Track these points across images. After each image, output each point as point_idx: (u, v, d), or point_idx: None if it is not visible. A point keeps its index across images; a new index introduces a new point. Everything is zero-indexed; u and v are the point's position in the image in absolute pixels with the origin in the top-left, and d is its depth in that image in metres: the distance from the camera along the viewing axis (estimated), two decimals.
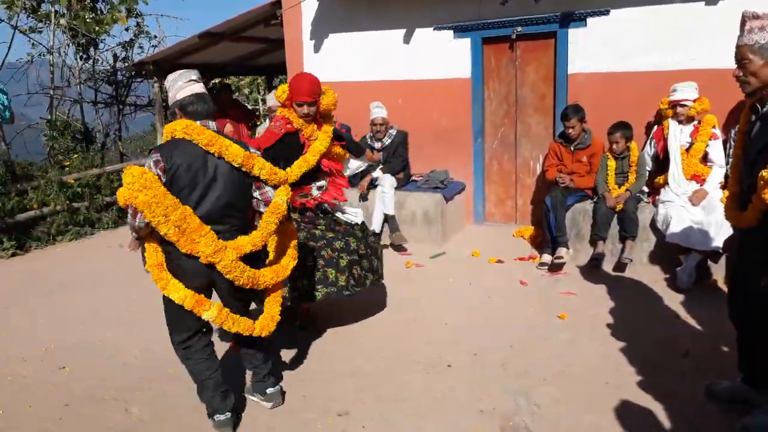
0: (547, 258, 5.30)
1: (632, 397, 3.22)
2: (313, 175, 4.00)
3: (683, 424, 2.94)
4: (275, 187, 3.01)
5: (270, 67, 10.80)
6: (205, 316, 2.83)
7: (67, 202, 7.13)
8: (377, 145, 6.26)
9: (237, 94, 10.27)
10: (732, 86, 4.62)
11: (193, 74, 2.91)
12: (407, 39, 6.60)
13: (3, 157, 7.05)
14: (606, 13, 5.60)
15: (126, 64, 9.88)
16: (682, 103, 4.94)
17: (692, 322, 4.14)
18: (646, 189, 5.34)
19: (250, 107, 11.17)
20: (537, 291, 4.82)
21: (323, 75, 7.08)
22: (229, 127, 8.57)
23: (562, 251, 5.18)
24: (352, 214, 4.34)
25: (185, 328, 2.94)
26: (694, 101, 4.92)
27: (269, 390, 3.25)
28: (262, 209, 2.98)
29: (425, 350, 3.89)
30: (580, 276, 5.10)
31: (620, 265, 5.07)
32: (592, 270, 5.15)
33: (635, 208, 5.07)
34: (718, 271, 4.74)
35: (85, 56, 9.08)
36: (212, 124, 2.90)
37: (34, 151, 9.42)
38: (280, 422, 3.17)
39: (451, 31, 6.32)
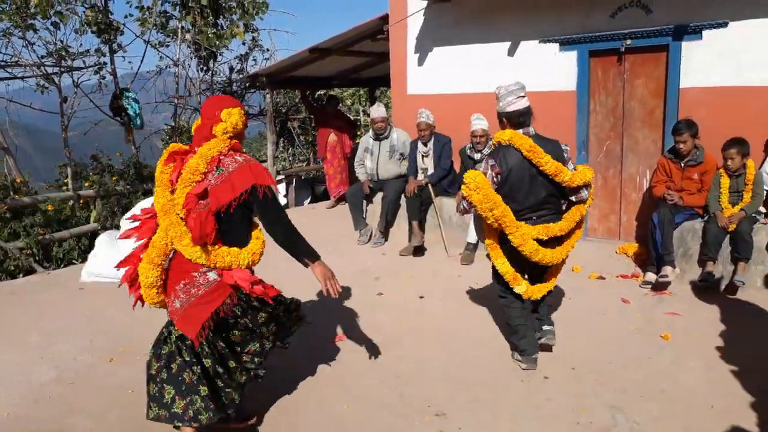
0: (651, 276, 5.14)
1: (739, 423, 3.09)
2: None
3: None
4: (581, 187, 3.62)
5: (372, 80, 11.13)
6: (516, 290, 3.69)
7: None
8: (477, 156, 6.33)
9: (340, 105, 10.67)
10: None
11: (523, 90, 3.54)
12: (511, 52, 6.63)
13: (133, 160, 7.75)
14: (724, 25, 5.38)
15: (240, 76, 10.55)
16: None
17: None
18: (762, 209, 5.06)
19: (352, 118, 11.55)
20: (639, 309, 4.69)
21: (426, 88, 7.33)
22: (332, 137, 8.93)
23: (667, 270, 5.01)
24: None
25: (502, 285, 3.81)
26: None
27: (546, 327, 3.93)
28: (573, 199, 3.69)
29: None
30: (687, 297, 4.91)
31: (732, 288, 4.84)
32: (700, 291, 4.94)
33: (750, 228, 4.83)
34: None
35: (205, 68, 9.82)
36: (531, 130, 3.56)
37: (147, 155, 10.29)
38: (377, 415, 3.31)
39: (557, 44, 6.29)
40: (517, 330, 3.78)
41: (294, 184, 10.12)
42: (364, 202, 7.20)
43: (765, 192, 4.99)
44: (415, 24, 7.21)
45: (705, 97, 5.54)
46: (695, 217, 5.24)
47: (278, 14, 25.14)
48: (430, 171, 6.63)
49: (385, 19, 7.40)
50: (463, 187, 3.42)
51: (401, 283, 5.55)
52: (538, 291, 3.77)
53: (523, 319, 3.80)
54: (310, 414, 3.37)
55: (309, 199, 10.54)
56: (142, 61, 9.04)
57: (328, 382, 3.73)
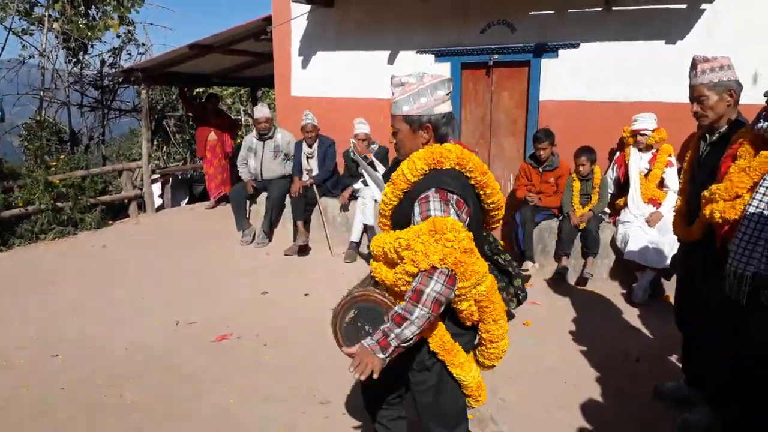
0: None
1: (589, 394, 3.56)
2: None
3: (632, 419, 3.29)
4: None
5: (255, 80, 11.07)
6: (478, 404, 2.35)
7: (52, 201, 7.27)
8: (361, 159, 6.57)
9: (220, 104, 10.50)
10: (686, 119, 5.07)
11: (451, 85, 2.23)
12: (391, 60, 6.97)
13: None
14: (576, 45, 6.04)
15: (113, 70, 10.06)
16: (642, 132, 5.37)
17: (645, 332, 4.52)
18: (607, 210, 5.75)
19: (233, 117, 11.40)
20: None
21: (310, 90, 7.47)
22: (212, 136, 8.80)
23: (528, 265, 5.55)
24: None
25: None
26: (653, 131, 5.36)
27: None
28: None
29: None
30: (545, 288, 5.46)
31: (582, 280, 5.46)
32: (555, 283, 5.51)
33: (597, 227, 5.47)
34: (671, 288, 5.14)
35: (74, 60, 9.25)
36: None
37: (8, 150, 9.52)
38: (263, 407, 3.42)
39: (433, 56, 6.71)
40: None
41: (170, 184, 9.82)
42: (248, 202, 7.21)
43: (609, 194, 5.68)
44: (299, 27, 7.33)
45: (560, 109, 6.18)
46: (552, 216, 5.85)
47: (155, 8, 24.11)
48: (315, 172, 6.80)
49: (268, 20, 7.45)
50: (435, 249, 1.90)
51: (286, 282, 5.66)
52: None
53: None
54: (198, 408, 3.41)
55: (186, 200, 10.27)
56: (2, 48, 8.37)
57: (214, 378, 3.78)
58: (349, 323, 2.13)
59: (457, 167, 2.10)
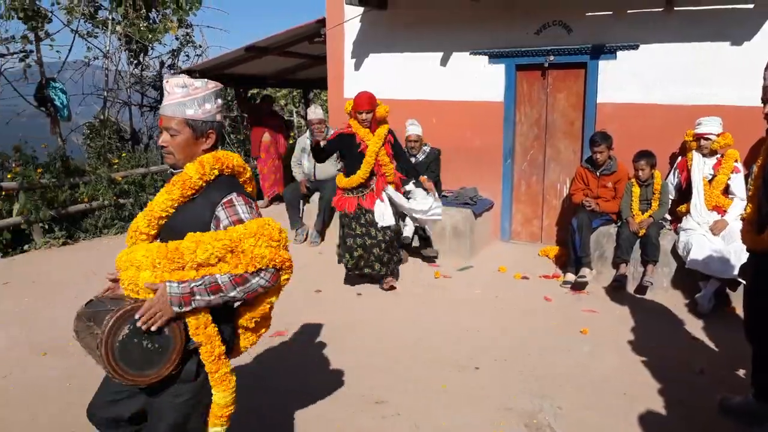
0: (570, 277, 5.55)
1: (648, 406, 3.46)
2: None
3: None
4: None
5: (307, 82, 11.21)
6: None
7: (114, 197, 7.57)
8: (411, 160, 6.57)
9: (273, 105, 10.67)
10: (753, 123, 4.86)
11: None
12: (444, 62, 6.94)
13: (59, 153, 7.50)
14: (635, 47, 5.89)
15: (172, 71, 10.37)
16: (706, 136, 5.20)
17: (710, 344, 4.36)
18: (668, 216, 5.58)
19: (286, 118, 11.59)
20: (560, 307, 5.08)
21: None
22: (267, 137, 8.96)
23: (585, 271, 5.43)
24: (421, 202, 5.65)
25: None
26: (718, 135, 5.18)
27: None
28: None
29: (456, 353, 4.17)
30: (603, 296, 5.34)
31: (641, 288, 5.31)
32: (614, 291, 5.39)
33: (657, 233, 5.32)
34: (737, 299, 4.95)
35: (135, 62, 9.59)
36: None
37: (73, 149, 9.94)
38: (319, 404, 3.46)
39: (487, 57, 6.65)
40: None
41: None
42: (301, 201, 7.31)
43: (670, 201, 5.52)
44: (352, 29, 7.39)
45: (618, 112, 6.05)
46: (610, 222, 5.71)
47: (211, 11, 24.66)
48: None
49: (322, 22, 7.53)
50: (264, 251, 2.00)
51: (339, 281, 5.71)
52: None
53: None
54: (257, 404, 3.47)
55: None
56: (69, 50, 8.75)
57: (271, 374, 3.85)
58: (123, 340, 1.93)
59: (236, 176, 2.19)
